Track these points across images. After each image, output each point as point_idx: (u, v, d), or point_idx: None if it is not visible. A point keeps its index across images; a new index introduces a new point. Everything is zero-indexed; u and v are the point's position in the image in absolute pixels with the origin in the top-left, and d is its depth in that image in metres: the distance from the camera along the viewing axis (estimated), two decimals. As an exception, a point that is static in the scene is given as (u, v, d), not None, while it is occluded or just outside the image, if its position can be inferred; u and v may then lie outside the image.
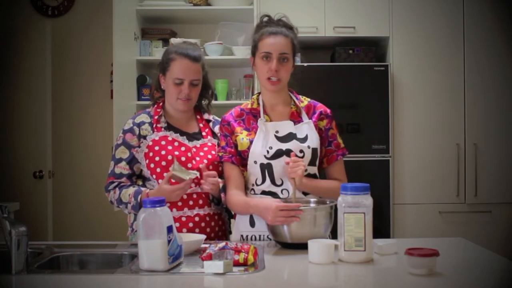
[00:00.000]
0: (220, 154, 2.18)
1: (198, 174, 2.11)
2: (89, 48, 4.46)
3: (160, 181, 2.15)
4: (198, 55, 2.23)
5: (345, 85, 3.83)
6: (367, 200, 1.76)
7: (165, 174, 2.14)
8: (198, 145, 2.24)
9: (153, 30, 4.19)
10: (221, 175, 2.23)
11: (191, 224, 2.14)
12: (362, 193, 1.76)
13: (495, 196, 3.87)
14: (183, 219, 2.14)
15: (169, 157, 2.15)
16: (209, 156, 2.22)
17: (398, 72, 3.87)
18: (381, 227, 3.73)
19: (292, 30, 2.16)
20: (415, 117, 3.88)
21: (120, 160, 2.21)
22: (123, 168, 2.20)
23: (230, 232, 2.32)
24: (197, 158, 2.20)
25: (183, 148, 2.19)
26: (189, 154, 2.19)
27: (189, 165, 2.17)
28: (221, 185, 2.17)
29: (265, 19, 2.17)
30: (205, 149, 2.24)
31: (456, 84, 3.88)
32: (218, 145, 2.24)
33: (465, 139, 3.89)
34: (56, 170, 4.35)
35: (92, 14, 4.47)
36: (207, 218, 2.18)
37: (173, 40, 2.28)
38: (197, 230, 2.13)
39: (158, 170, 2.16)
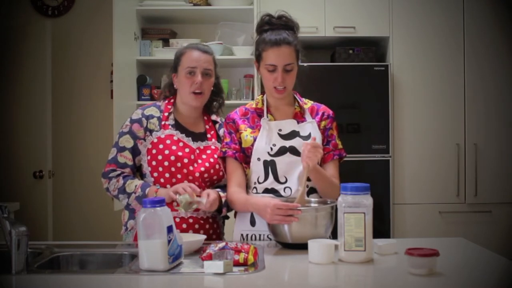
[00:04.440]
0: (224, 149, 2.18)
1: (204, 201, 2.03)
2: (89, 48, 4.47)
3: (161, 180, 2.15)
4: (209, 49, 2.26)
5: (345, 85, 3.83)
6: (367, 200, 1.76)
7: (167, 175, 2.14)
8: (201, 147, 2.22)
9: (153, 30, 4.19)
10: (221, 179, 2.22)
11: (184, 225, 2.13)
12: (362, 193, 1.76)
13: (495, 196, 3.87)
14: (177, 219, 2.12)
15: (172, 158, 2.13)
16: (211, 160, 2.20)
17: (398, 72, 3.87)
18: (381, 227, 3.73)
19: (293, 31, 2.15)
20: (415, 117, 3.88)
21: (123, 148, 2.18)
22: (127, 158, 2.17)
23: (223, 234, 2.30)
24: (199, 161, 2.18)
25: (187, 150, 2.17)
26: (192, 157, 2.17)
27: (191, 167, 2.15)
28: (223, 199, 2.14)
29: (266, 19, 2.16)
30: (208, 151, 2.22)
31: (456, 84, 3.88)
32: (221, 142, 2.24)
33: (465, 139, 3.89)
34: (56, 170, 4.35)
35: (92, 14, 4.47)
36: (201, 221, 2.17)
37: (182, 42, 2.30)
38: (190, 231, 2.12)
39: (160, 169, 2.15)
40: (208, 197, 2.04)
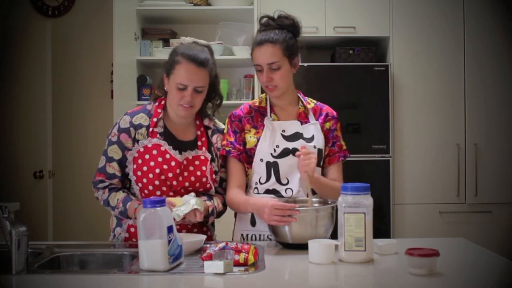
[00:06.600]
0: (228, 149, 2.15)
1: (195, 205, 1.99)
2: (89, 48, 4.47)
3: (146, 191, 2.10)
4: (205, 59, 2.08)
5: (345, 85, 3.83)
6: (367, 200, 1.76)
7: (150, 187, 2.08)
8: (190, 157, 2.13)
9: (153, 30, 4.19)
10: (208, 191, 2.16)
11: None
12: (362, 193, 1.76)
13: (495, 196, 3.88)
14: None
15: (157, 170, 2.06)
16: (198, 173, 2.12)
17: (398, 72, 3.87)
18: (381, 227, 3.73)
19: (288, 31, 2.12)
20: (415, 117, 3.88)
21: (112, 159, 2.13)
22: (115, 169, 2.13)
23: (215, 235, 2.27)
24: (185, 174, 2.10)
25: (173, 163, 2.08)
26: (177, 171, 2.08)
27: (174, 182, 2.08)
28: (210, 209, 2.09)
29: (263, 20, 2.15)
30: (196, 162, 2.13)
31: (456, 84, 3.89)
32: (217, 153, 2.18)
33: (465, 139, 3.89)
34: (56, 170, 4.35)
35: (92, 14, 4.47)
36: (189, 225, 2.12)
37: (182, 39, 2.21)
38: None
39: (145, 180, 2.08)
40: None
